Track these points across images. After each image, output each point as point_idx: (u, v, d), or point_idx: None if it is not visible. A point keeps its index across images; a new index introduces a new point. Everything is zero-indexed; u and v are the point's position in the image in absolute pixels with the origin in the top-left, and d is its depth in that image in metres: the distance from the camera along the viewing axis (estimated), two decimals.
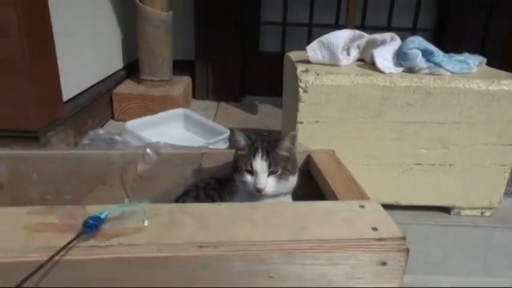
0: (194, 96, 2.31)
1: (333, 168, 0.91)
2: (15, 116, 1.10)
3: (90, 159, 0.94)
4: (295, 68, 1.08)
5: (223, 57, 2.26)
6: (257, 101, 2.37)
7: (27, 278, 0.51)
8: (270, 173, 0.78)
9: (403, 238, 0.62)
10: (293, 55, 1.24)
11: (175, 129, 1.56)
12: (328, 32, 2.28)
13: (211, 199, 0.85)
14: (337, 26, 2.35)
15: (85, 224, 0.57)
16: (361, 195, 0.78)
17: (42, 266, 0.52)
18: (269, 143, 0.81)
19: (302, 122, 1.05)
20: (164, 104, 1.85)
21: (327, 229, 0.63)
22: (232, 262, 0.58)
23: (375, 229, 0.64)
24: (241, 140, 0.82)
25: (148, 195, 0.98)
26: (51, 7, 1.20)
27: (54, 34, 1.23)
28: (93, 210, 0.62)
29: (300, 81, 1.01)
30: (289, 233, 0.62)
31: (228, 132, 1.40)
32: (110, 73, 1.91)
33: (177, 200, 0.88)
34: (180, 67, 2.12)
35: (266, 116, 2.08)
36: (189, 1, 2.15)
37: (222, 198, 0.85)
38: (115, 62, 2.00)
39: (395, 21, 2.37)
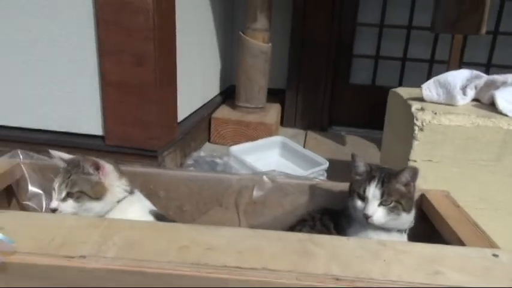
0: (282, 123, 2.37)
1: (451, 210, 0.88)
2: (142, 136, 1.22)
3: (211, 181, 1.01)
4: (409, 106, 1.07)
5: (314, 87, 2.31)
6: (343, 132, 2.38)
7: None
8: (381, 203, 0.78)
9: None
10: (402, 91, 1.24)
11: (272, 156, 1.61)
12: (422, 66, 2.28)
13: (327, 229, 0.86)
14: (433, 62, 2.30)
15: None
16: (489, 242, 0.76)
17: None
18: (387, 174, 0.81)
19: (415, 161, 1.04)
20: (258, 130, 1.93)
21: (464, 276, 0.62)
22: None
23: None
24: (361, 166, 0.84)
25: (258, 220, 1.03)
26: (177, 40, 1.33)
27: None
28: None
29: (416, 120, 1.01)
30: (424, 275, 0.62)
31: (327, 164, 1.42)
32: (209, 98, 2.04)
33: (292, 228, 0.91)
34: (270, 95, 2.20)
35: (356, 148, 2.07)
36: (285, 33, 2.24)
37: (337, 229, 0.86)
38: (214, 88, 2.14)
39: (497, 58, 2.27)
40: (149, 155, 1.26)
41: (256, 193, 1.00)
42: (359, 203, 0.80)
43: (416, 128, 1.01)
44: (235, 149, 1.47)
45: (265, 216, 1.03)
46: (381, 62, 2.37)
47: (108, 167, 0.77)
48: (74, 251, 0.62)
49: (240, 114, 2.01)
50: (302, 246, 0.67)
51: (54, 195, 0.75)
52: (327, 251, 0.66)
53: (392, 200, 0.78)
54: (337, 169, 1.56)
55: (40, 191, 1.00)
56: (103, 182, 0.76)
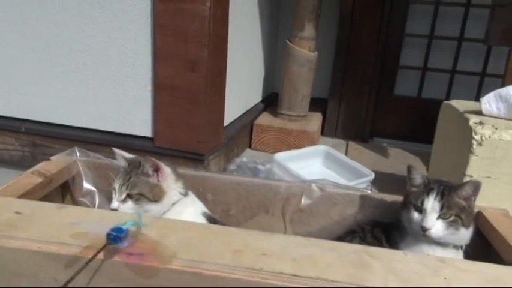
0: (322, 133, 2.35)
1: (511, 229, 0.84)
2: (190, 139, 1.24)
3: (260, 187, 1.01)
4: (466, 119, 1.04)
5: (357, 97, 2.28)
6: (385, 143, 2.33)
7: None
8: (440, 216, 0.76)
9: None
10: (456, 104, 1.20)
11: (314, 165, 1.59)
12: (471, 79, 2.20)
13: (378, 242, 0.84)
14: (484, 75, 2.21)
15: (108, 235, 0.57)
16: None
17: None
18: (447, 187, 0.79)
19: (471, 176, 1.00)
20: (299, 138, 1.92)
21: None
22: None
23: None
24: (418, 178, 0.82)
25: (305, 229, 1.02)
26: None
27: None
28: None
29: (475, 134, 0.97)
30: None
31: (372, 175, 1.39)
32: (252, 105, 2.05)
33: (341, 239, 0.89)
34: (311, 104, 2.18)
35: (399, 161, 2.02)
36: (330, 41, 2.23)
37: (389, 243, 0.84)
38: (257, 95, 2.15)
39: None
40: (196, 158, 1.28)
41: (304, 201, 0.99)
42: (416, 215, 0.78)
43: (474, 142, 0.97)
44: (279, 156, 1.46)
45: (312, 226, 1.01)
46: (428, 74, 2.30)
47: (166, 170, 0.79)
48: None
49: (281, 121, 2.01)
50: (358, 257, 0.66)
51: (115, 195, 0.77)
52: (383, 264, 0.65)
53: (452, 213, 0.76)
54: (381, 181, 1.53)
55: (93, 188, 1.03)
56: (161, 184, 0.77)
